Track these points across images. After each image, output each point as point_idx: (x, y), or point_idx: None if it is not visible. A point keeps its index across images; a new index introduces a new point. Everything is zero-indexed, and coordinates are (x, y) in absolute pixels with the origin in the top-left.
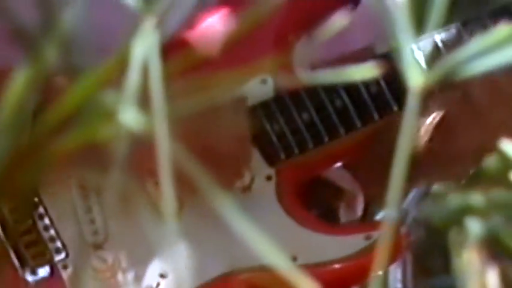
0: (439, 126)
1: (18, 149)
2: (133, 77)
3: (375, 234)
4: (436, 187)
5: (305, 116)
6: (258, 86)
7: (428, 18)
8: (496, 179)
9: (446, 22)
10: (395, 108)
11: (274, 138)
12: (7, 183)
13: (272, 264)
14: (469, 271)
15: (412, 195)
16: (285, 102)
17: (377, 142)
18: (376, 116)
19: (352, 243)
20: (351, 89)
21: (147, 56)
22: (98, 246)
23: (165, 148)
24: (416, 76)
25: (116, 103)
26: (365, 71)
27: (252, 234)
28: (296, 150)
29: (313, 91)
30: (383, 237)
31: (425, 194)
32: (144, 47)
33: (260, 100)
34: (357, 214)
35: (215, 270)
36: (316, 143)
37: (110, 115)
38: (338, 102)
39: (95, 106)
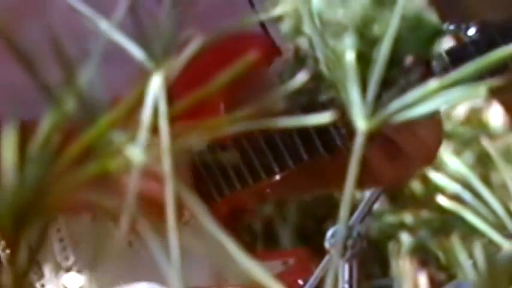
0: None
1: (44, 178)
2: (144, 123)
3: (290, 260)
4: (376, 207)
5: (232, 162)
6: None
7: (371, 74)
8: (423, 202)
9: (386, 77)
10: (292, 163)
11: (209, 182)
12: (37, 205)
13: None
14: (403, 275)
15: (356, 214)
16: (215, 151)
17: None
18: (291, 164)
19: (272, 267)
20: (268, 138)
21: (156, 104)
22: (68, 269)
23: (170, 184)
24: (362, 120)
25: (124, 141)
26: (320, 118)
27: (234, 247)
28: (227, 191)
29: (237, 141)
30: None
31: (368, 213)
32: (153, 98)
33: (196, 150)
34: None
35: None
36: (243, 184)
37: (118, 151)
38: (259, 150)
39: (106, 144)
